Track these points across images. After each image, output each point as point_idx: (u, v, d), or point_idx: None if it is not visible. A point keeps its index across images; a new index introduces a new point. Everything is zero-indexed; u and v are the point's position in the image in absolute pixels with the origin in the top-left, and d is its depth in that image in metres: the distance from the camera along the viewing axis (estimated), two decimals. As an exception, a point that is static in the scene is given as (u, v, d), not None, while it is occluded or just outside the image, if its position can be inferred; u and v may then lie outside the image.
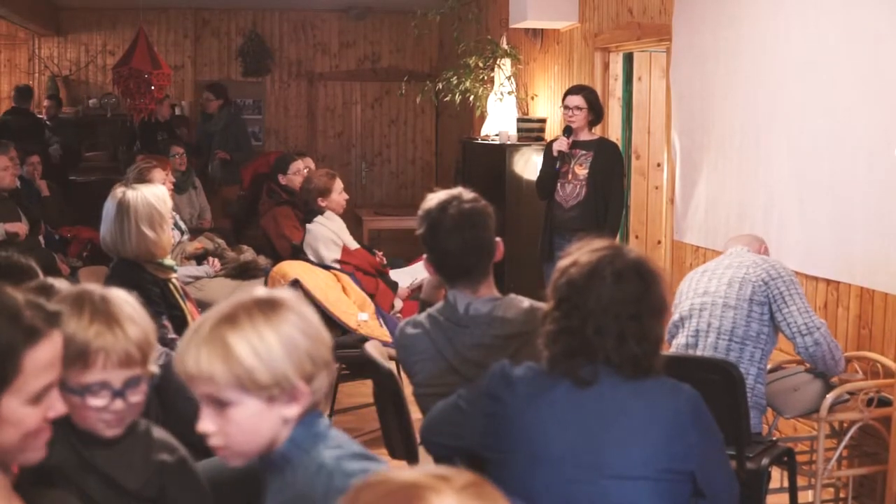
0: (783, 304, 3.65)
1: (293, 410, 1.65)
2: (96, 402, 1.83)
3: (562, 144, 5.81)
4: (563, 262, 2.19)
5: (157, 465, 1.93)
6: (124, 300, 1.91)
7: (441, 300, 2.74)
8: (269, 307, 1.64)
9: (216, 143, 8.92)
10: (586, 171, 5.75)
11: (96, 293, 1.89)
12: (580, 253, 2.18)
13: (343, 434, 1.73)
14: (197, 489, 2.01)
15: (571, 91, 5.90)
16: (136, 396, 1.86)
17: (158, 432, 1.99)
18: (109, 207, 3.60)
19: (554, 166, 5.84)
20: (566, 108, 5.82)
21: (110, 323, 1.83)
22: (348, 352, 5.05)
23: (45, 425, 1.62)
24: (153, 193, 3.65)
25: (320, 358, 1.65)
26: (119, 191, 3.63)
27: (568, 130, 5.85)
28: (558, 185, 5.83)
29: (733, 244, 4.00)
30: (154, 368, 1.91)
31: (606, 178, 5.75)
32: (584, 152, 5.80)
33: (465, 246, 2.60)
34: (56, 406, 1.62)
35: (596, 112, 5.82)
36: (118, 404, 1.84)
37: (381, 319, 5.31)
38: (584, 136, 5.85)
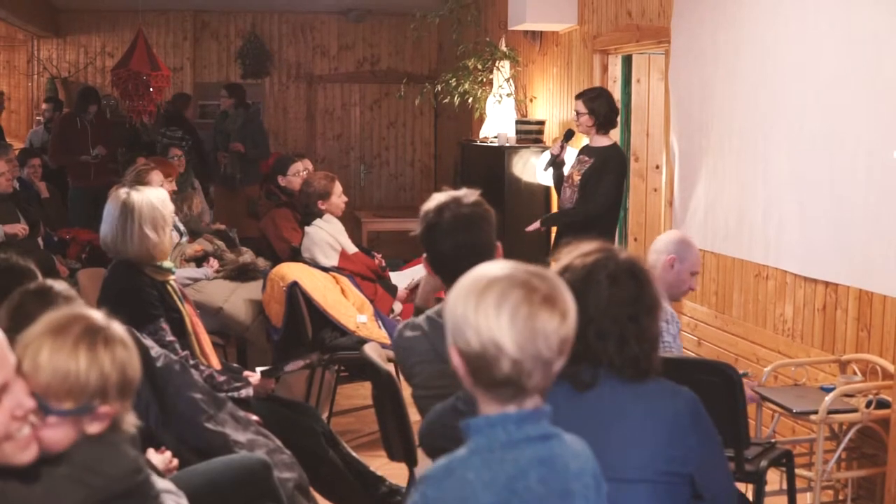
0: None
1: None
2: None
3: (555, 148, 5.87)
4: (554, 268, 2.18)
5: None
6: (114, 342, 1.78)
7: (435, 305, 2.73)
8: None
9: (232, 140, 8.86)
10: (580, 177, 5.61)
11: (99, 322, 1.79)
12: (571, 258, 2.18)
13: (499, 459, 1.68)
14: None
15: (577, 94, 5.72)
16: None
17: (82, 457, 1.78)
18: (112, 208, 3.61)
19: (545, 169, 5.95)
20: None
21: (35, 336, 1.73)
22: (347, 354, 5.06)
23: (13, 425, 1.61)
24: (156, 196, 3.67)
25: None
26: (122, 192, 3.64)
27: (568, 135, 5.89)
28: (562, 189, 5.77)
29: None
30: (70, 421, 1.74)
31: (594, 181, 5.54)
32: (587, 159, 5.61)
33: (459, 249, 2.58)
34: (23, 404, 1.60)
35: (597, 117, 5.55)
36: None
37: (379, 321, 5.31)
38: (595, 142, 5.62)
